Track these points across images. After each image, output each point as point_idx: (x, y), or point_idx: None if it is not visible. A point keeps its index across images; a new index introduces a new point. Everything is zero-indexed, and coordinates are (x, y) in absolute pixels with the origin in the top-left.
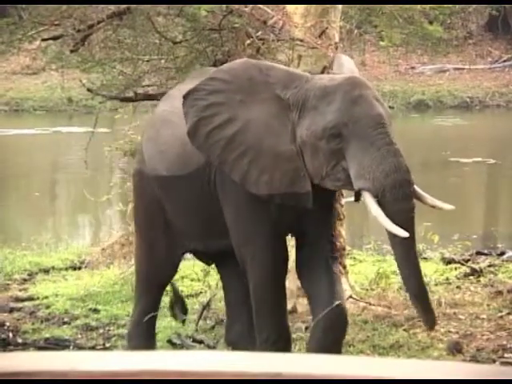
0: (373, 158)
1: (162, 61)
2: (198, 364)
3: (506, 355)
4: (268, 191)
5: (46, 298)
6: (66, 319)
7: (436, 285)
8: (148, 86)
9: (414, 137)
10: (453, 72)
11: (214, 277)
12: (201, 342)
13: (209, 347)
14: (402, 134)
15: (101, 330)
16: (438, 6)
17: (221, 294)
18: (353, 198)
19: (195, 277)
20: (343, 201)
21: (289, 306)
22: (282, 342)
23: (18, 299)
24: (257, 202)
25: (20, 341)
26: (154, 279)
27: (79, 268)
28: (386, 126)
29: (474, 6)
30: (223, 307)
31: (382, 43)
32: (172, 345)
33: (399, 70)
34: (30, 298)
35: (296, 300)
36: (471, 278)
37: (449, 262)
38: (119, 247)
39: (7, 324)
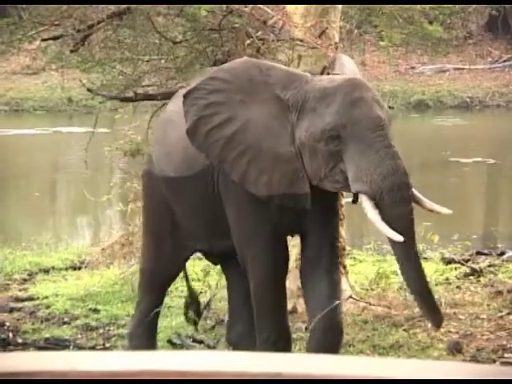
0: (370, 160)
1: (162, 61)
2: (198, 364)
3: (505, 355)
4: (267, 192)
5: (46, 298)
6: (65, 319)
7: (436, 285)
8: (148, 86)
9: (414, 137)
10: (453, 72)
11: (214, 277)
12: (201, 342)
13: (209, 347)
14: (402, 134)
15: (101, 330)
16: (438, 6)
17: (221, 293)
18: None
19: (195, 277)
20: (343, 201)
21: (289, 306)
22: (282, 342)
23: (18, 299)
24: (258, 203)
25: (20, 341)
26: (158, 279)
27: (79, 268)
28: (384, 128)
29: (474, 5)
30: (223, 307)
31: (381, 43)
32: (172, 345)
33: (399, 69)
34: (30, 298)
35: (296, 300)
36: (471, 278)
37: (449, 261)
38: (119, 247)
39: (7, 324)
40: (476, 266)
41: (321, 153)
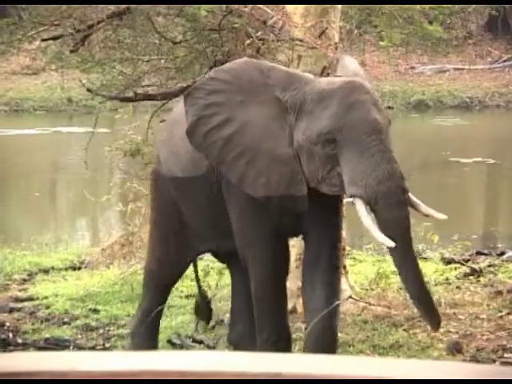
0: (366, 164)
1: (162, 61)
2: (198, 364)
3: (505, 355)
4: (265, 193)
5: (46, 298)
6: (65, 319)
7: (436, 285)
8: (148, 86)
9: (413, 137)
10: (452, 72)
11: (214, 277)
12: (201, 342)
13: (209, 347)
14: (401, 134)
15: (101, 331)
16: (438, 6)
17: (221, 294)
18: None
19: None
20: (343, 201)
21: (289, 306)
22: (282, 342)
23: (17, 299)
24: (259, 204)
25: (20, 341)
26: (162, 279)
27: (79, 268)
28: (381, 132)
29: (474, 5)
30: (223, 307)
31: (381, 43)
32: (172, 345)
33: (399, 70)
34: (30, 299)
35: (296, 300)
36: (471, 278)
37: (449, 262)
38: (119, 247)
39: (7, 324)
40: (476, 266)
41: (318, 156)
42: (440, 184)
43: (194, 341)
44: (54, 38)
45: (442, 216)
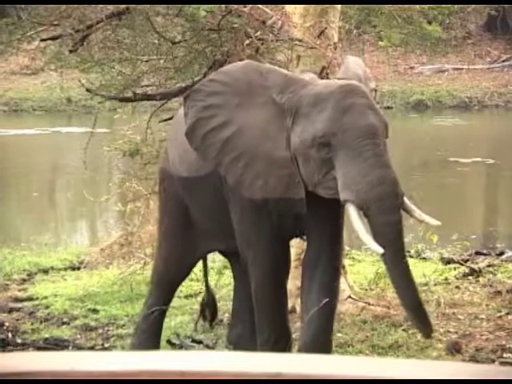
0: (359, 169)
1: (161, 61)
2: (198, 364)
3: (505, 355)
4: (262, 196)
5: (45, 298)
6: (65, 319)
7: (435, 285)
8: (147, 86)
9: (413, 137)
10: (452, 72)
11: (214, 277)
12: (200, 342)
13: (208, 347)
14: (400, 134)
15: (100, 330)
16: (437, 6)
17: (220, 294)
18: None
19: (194, 277)
20: None
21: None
22: (282, 343)
23: (17, 299)
24: (259, 205)
25: (19, 341)
26: (170, 278)
27: (78, 268)
28: (375, 136)
29: (473, 5)
30: (222, 307)
31: (380, 43)
32: (171, 345)
33: (398, 70)
34: (29, 299)
35: (295, 300)
36: (470, 278)
37: (448, 262)
38: (118, 247)
39: (6, 324)
40: (475, 266)
41: (313, 159)
42: (439, 184)
43: (194, 341)
44: (53, 38)
45: (435, 222)
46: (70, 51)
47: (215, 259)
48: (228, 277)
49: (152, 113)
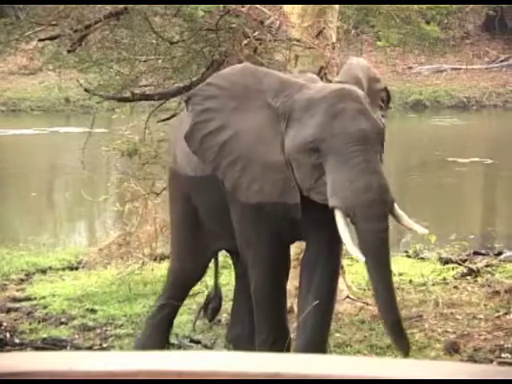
0: (346, 175)
1: (159, 61)
2: (196, 364)
3: (503, 355)
4: (258, 200)
5: (43, 298)
6: (63, 319)
7: (433, 285)
8: (145, 86)
9: (411, 137)
10: (450, 72)
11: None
12: (198, 342)
13: (206, 347)
14: (399, 134)
15: (98, 331)
16: (435, 6)
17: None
18: None
19: None
20: None
21: None
22: (281, 343)
23: (15, 299)
24: (258, 207)
25: (17, 341)
26: (185, 277)
27: (76, 268)
28: (366, 142)
29: (471, 5)
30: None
31: (379, 43)
32: (169, 345)
33: (396, 70)
34: (27, 299)
35: (293, 300)
36: (468, 278)
37: (446, 261)
38: (116, 247)
39: (4, 324)
40: (473, 266)
41: (305, 164)
42: (437, 184)
43: (192, 341)
44: (52, 38)
45: (423, 230)
46: (68, 51)
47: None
48: (226, 277)
49: (150, 113)
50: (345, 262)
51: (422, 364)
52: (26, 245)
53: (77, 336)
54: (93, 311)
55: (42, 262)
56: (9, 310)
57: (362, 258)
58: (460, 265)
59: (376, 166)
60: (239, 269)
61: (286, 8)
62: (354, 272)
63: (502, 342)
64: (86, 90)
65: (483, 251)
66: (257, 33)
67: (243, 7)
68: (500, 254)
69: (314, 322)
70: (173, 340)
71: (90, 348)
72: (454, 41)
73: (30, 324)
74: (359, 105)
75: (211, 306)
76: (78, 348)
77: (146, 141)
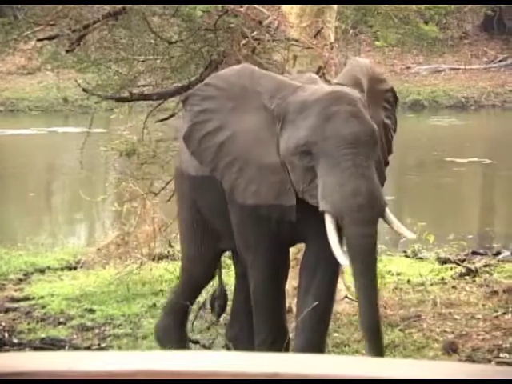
0: (336, 179)
1: (158, 61)
2: (194, 364)
3: (501, 355)
4: (255, 202)
5: (42, 298)
6: (61, 319)
7: (431, 285)
8: (143, 86)
9: (409, 137)
10: (448, 72)
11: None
12: (196, 342)
13: (204, 347)
14: (397, 134)
15: (96, 330)
16: (434, 6)
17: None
18: None
19: None
20: None
21: None
22: (279, 343)
23: (13, 299)
24: (256, 210)
25: (15, 341)
26: (197, 277)
27: (75, 268)
28: (357, 145)
29: (470, 5)
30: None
31: (377, 43)
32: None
33: (394, 70)
34: (26, 298)
35: (291, 300)
36: (467, 277)
37: (444, 261)
38: (115, 247)
39: (3, 324)
40: (471, 266)
41: (298, 167)
42: (436, 184)
43: (190, 341)
44: (50, 38)
45: (411, 235)
46: (67, 51)
47: None
48: (224, 277)
49: (149, 113)
50: None
51: (420, 364)
52: (24, 245)
53: (75, 336)
54: (91, 311)
55: (40, 262)
56: (7, 310)
57: (344, 263)
58: (458, 265)
59: (366, 171)
60: (239, 269)
61: (285, 8)
62: None
63: (500, 342)
64: (84, 90)
65: (481, 251)
66: (255, 33)
67: (241, 7)
68: (498, 253)
69: (313, 322)
70: None
71: (88, 348)
72: (453, 41)
73: (29, 324)
74: (352, 108)
75: (217, 303)
76: (76, 348)
77: (145, 141)
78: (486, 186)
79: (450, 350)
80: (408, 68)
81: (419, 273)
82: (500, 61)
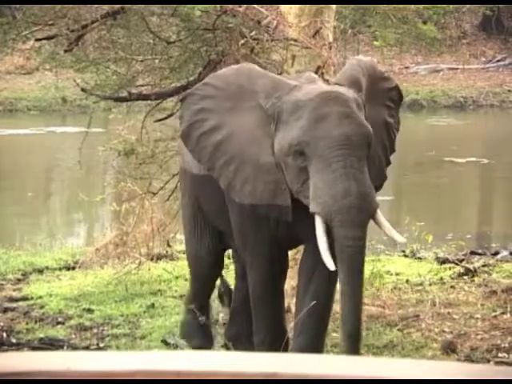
0: (326, 180)
1: (156, 61)
2: (193, 364)
3: (500, 355)
4: (251, 201)
5: (40, 298)
6: (59, 319)
7: (430, 284)
8: (142, 85)
9: (408, 137)
10: (447, 72)
11: None
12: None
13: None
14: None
15: (95, 330)
16: (432, 6)
17: (215, 294)
18: None
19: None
20: None
21: None
22: (278, 343)
23: (11, 299)
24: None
25: (14, 341)
26: (202, 273)
27: (73, 268)
28: (348, 147)
29: (468, 5)
30: (218, 307)
31: (376, 43)
32: (166, 344)
33: (393, 69)
34: (24, 298)
35: (290, 300)
36: (465, 277)
37: (443, 261)
38: (113, 247)
39: (1, 324)
40: (470, 266)
41: (291, 167)
42: (434, 184)
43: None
44: (48, 38)
45: (402, 239)
46: (65, 51)
47: None
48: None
49: (147, 112)
50: None
51: (420, 364)
52: (22, 244)
53: (74, 336)
54: (90, 311)
55: (38, 262)
56: (5, 310)
57: (331, 267)
58: (457, 264)
59: (357, 172)
60: (239, 269)
61: (283, 8)
62: None
63: (498, 342)
64: (82, 90)
65: (480, 251)
66: (254, 32)
67: (240, 7)
68: (497, 253)
69: (312, 322)
70: (170, 339)
71: (86, 348)
72: (451, 41)
73: (27, 324)
74: (345, 108)
75: (225, 296)
76: (74, 348)
77: (143, 140)
78: (484, 185)
79: (449, 349)
80: (406, 68)
81: (418, 273)
82: (498, 61)
